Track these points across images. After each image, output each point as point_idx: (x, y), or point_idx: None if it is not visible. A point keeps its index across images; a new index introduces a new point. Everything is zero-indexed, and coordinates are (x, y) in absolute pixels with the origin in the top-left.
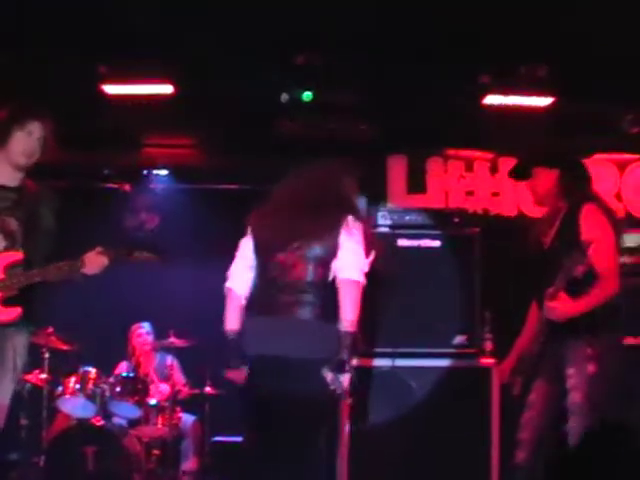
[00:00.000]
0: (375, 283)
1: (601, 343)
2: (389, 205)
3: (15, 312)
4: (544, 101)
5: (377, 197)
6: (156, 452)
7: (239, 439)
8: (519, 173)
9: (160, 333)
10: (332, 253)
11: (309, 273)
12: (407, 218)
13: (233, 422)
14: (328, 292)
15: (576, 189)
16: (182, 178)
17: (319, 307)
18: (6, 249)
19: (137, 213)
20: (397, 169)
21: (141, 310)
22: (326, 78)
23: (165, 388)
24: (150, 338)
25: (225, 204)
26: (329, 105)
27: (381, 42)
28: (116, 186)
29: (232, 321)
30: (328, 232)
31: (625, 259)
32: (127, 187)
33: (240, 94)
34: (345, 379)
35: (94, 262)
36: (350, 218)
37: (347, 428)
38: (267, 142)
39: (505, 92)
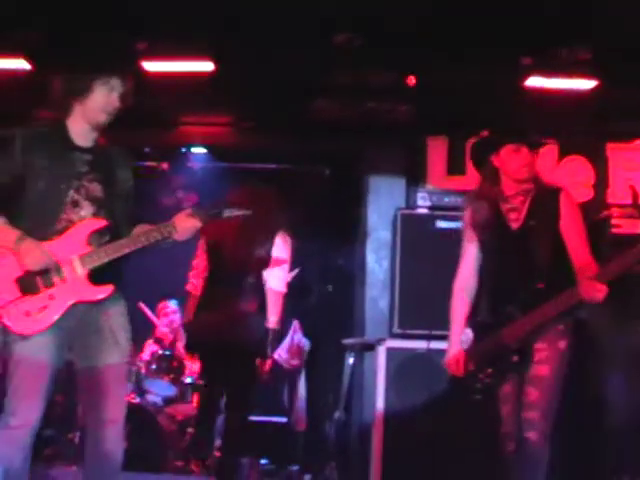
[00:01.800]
0: None
1: (571, 322)
2: (428, 186)
3: (106, 291)
4: (587, 84)
5: (417, 178)
6: (190, 430)
7: (272, 419)
8: (486, 144)
9: None
10: (266, 260)
11: (250, 275)
12: (446, 200)
13: (267, 402)
14: (261, 291)
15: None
16: (220, 157)
17: (256, 302)
18: (94, 216)
19: (174, 191)
20: (437, 151)
21: (171, 285)
22: (366, 58)
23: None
24: (177, 317)
25: (263, 183)
26: (369, 86)
27: (422, 23)
28: (154, 164)
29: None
30: (267, 243)
31: None
32: (165, 165)
33: (279, 73)
34: (267, 363)
35: (186, 226)
36: (283, 234)
37: (381, 409)
38: (305, 122)
39: (547, 74)
